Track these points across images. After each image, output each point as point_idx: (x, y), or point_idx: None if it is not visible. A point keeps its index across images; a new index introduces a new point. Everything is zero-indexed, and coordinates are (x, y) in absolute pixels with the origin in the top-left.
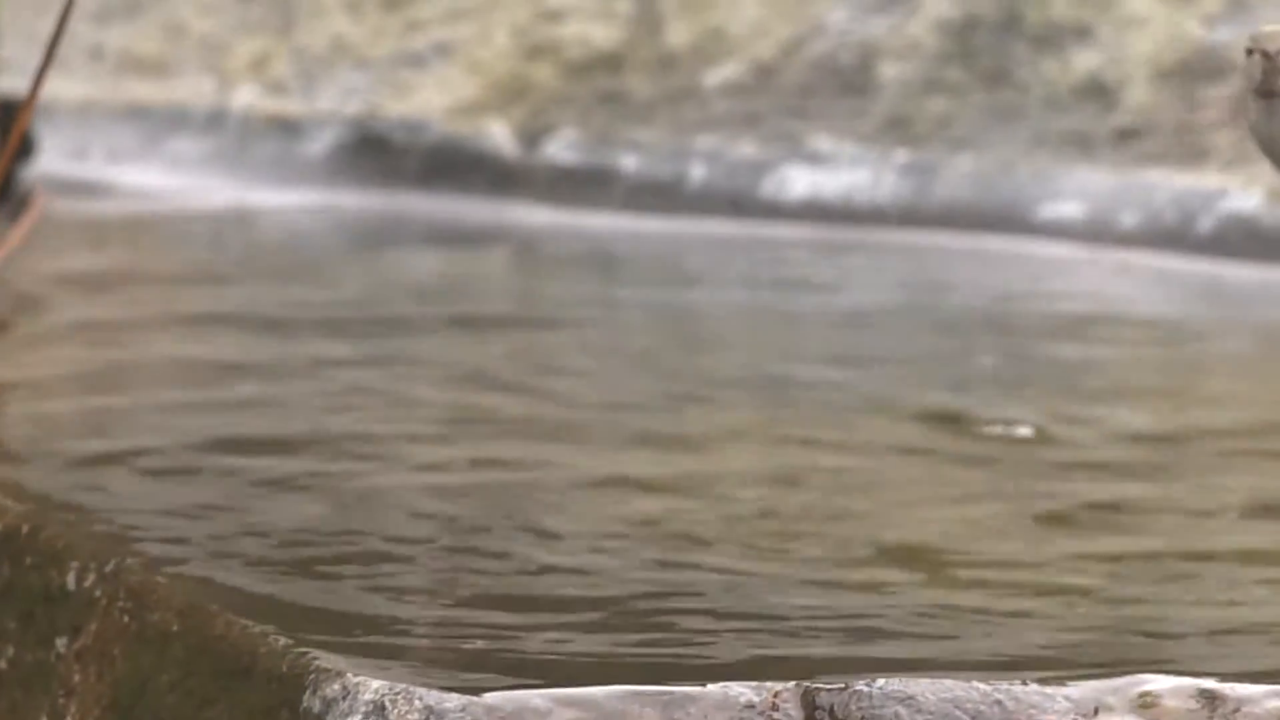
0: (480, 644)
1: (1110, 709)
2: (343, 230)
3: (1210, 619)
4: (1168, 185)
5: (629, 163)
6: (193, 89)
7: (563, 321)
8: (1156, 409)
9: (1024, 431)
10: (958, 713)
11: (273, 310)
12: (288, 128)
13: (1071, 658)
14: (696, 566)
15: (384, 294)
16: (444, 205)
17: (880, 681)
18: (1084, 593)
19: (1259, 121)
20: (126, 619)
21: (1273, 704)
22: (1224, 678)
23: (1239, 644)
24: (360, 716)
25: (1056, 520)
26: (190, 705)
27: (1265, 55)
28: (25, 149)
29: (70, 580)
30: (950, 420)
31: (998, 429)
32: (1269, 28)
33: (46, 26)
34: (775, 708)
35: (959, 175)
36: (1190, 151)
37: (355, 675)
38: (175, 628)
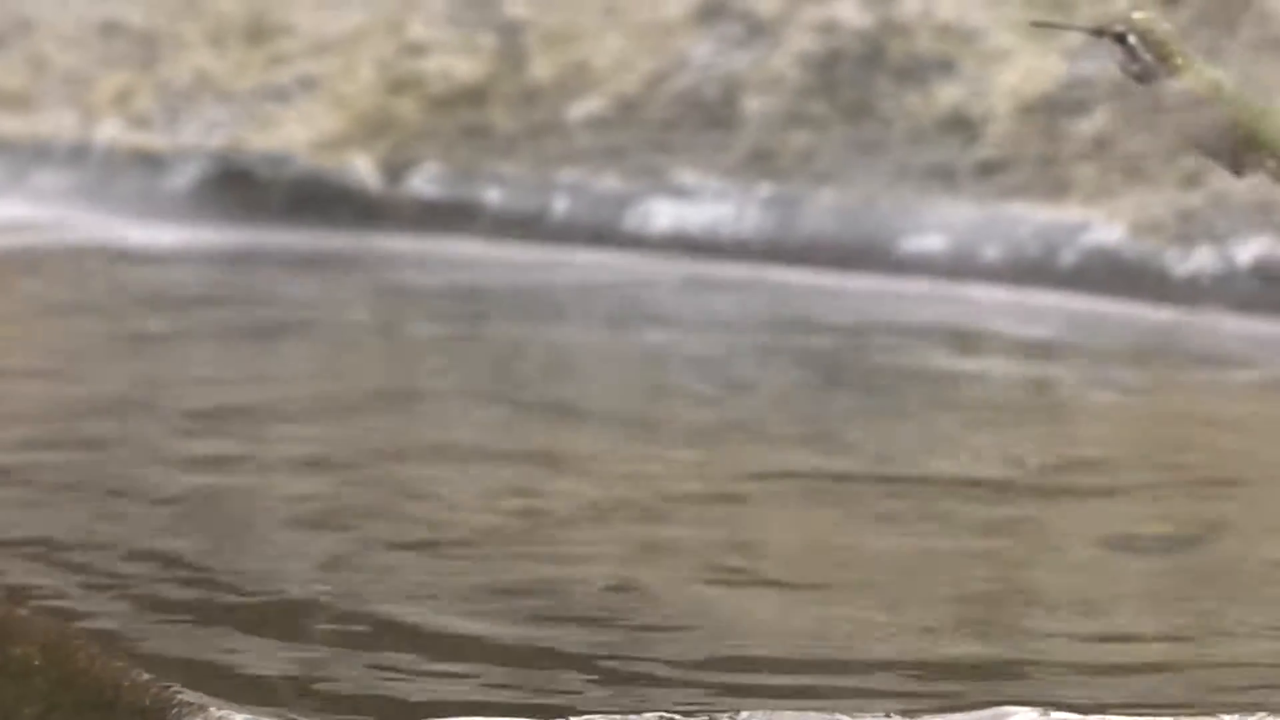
0: (341, 683)
1: None
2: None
3: (1075, 651)
4: (1030, 218)
5: (493, 196)
6: (56, 123)
7: (426, 354)
8: (1019, 442)
9: (886, 460)
10: None
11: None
12: (151, 161)
13: (936, 689)
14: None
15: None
16: (308, 239)
17: (744, 714)
18: (949, 626)
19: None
20: None
21: None
22: (1084, 710)
23: (1102, 676)
24: None
25: (919, 548)
26: None
27: (1116, 38)
28: None
29: None
30: (813, 450)
31: (860, 461)
32: (1126, 11)
33: None
34: None
35: (822, 209)
36: (1053, 184)
37: (219, 709)
38: (37, 661)
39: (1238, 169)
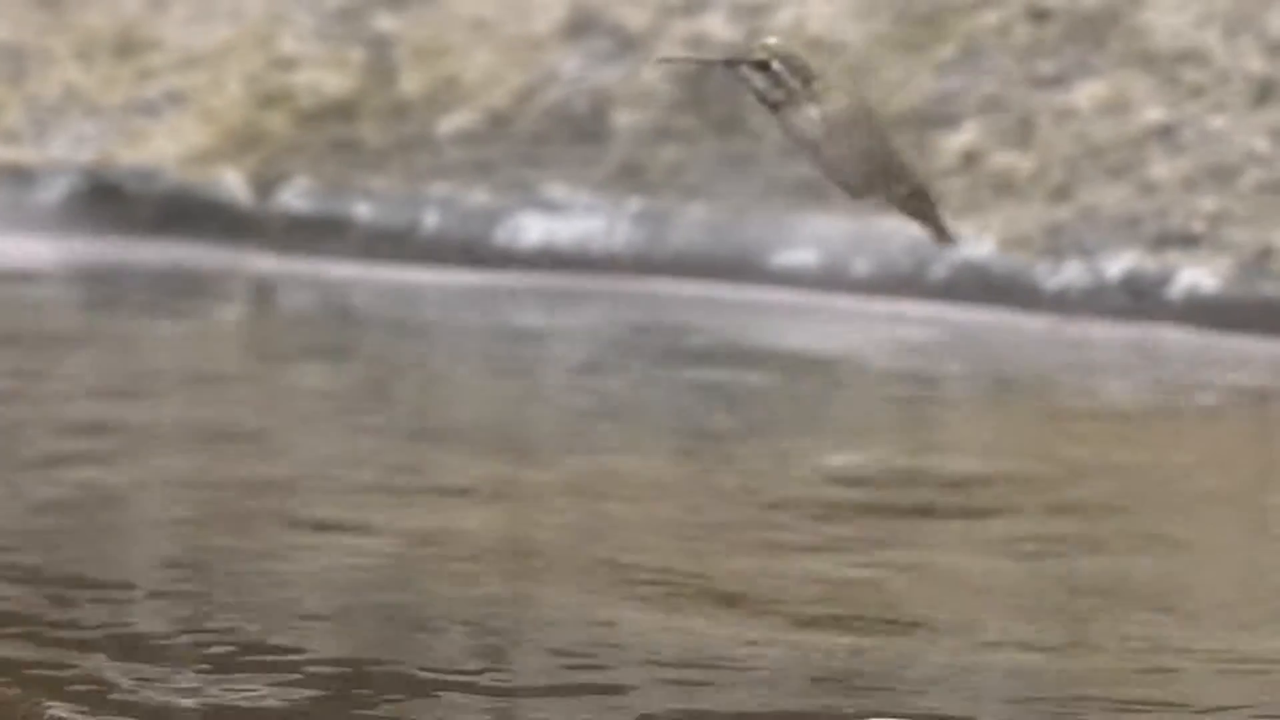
0: (214, 692)
1: None
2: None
3: (948, 662)
4: (901, 233)
5: (362, 211)
6: None
7: (290, 373)
8: (886, 453)
9: (758, 476)
10: None
11: None
12: (21, 176)
13: (810, 702)
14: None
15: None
16: (177, 254)
17: None
18: (822, 638)
19: (783, 132)
20: None
21: None
22: (965, 718)
23: (972, 686)
24: None
25: (791, 563)
26: None
27: (759, 65)
28: None
29: None
30: (690, 462)
31: (734, 476)
32: (767, 40)
33: None
34: None
35: (692, 223)
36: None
37: None
38: None
39: (863, 194)
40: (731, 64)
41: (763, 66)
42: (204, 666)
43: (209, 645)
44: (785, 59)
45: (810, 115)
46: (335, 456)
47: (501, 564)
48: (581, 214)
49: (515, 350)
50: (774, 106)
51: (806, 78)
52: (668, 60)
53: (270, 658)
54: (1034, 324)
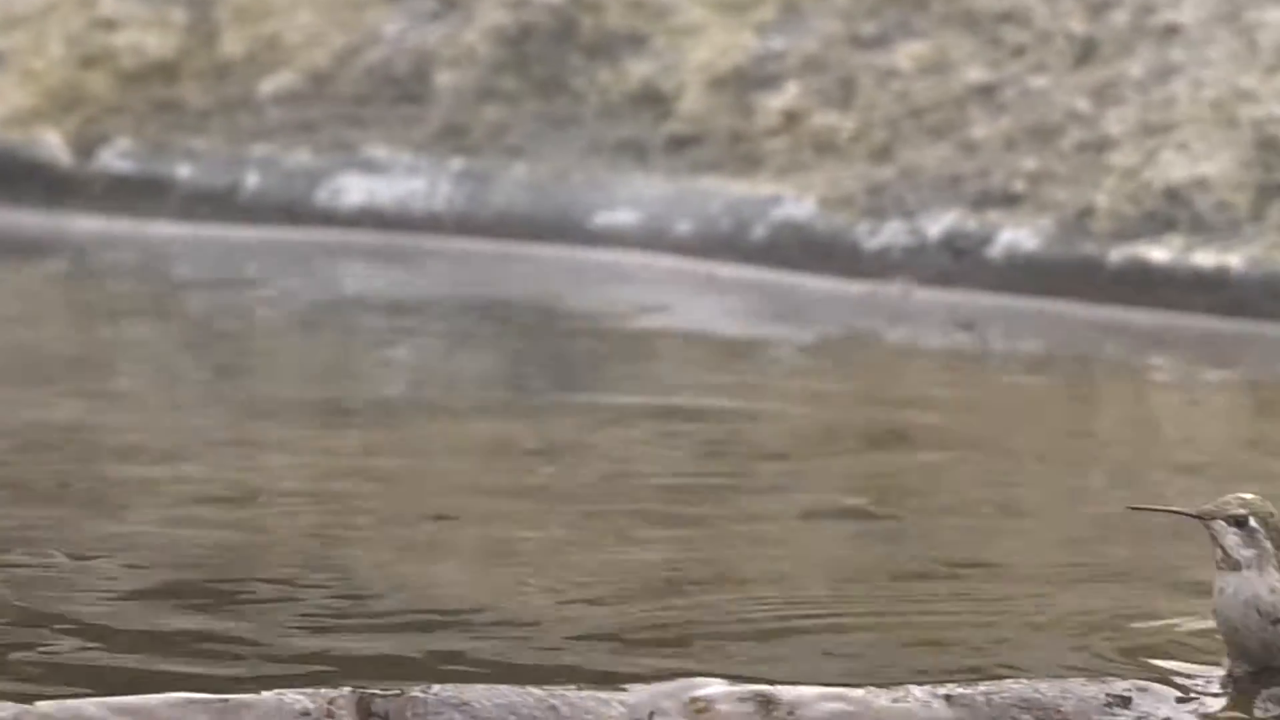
0: (30, 654)
1: (665, 713)
2: None
3: (767, 623)
4: (722, 193)
5: (184, 171)
6: None
7: (109, 331)
8: (705, 412)
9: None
10: (512, 718)
11: None
12: None
13: (627, 660)
14: (250, 581)
15: None
16: None
17: (435, 688)
18: (639, 594)
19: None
20: None
21: (826, 706)
22: (773, 681)
23: (792, 647)
24: None
25: (607, 524)
26: None
27: (1236, 521)
28: None
29: None
30: (509, 422)
31: (545, 436)
32: (1245, 495)
33: None
34: (330, 715)
35: (514, 183)
36: (744, 159)
37: None
38: None
39: None
40: (1205, 518)
41: (1239, 523)
42: None
43: None
44: (1263, 519)
45: (1275, 584)
46: (153, 413)
47: (319, 521)
48: (403, 174)
49: (335, 310)
50: (1234, 566)
51: (1279, 543)
52: (1139, 509)
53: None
54: (854, 287)
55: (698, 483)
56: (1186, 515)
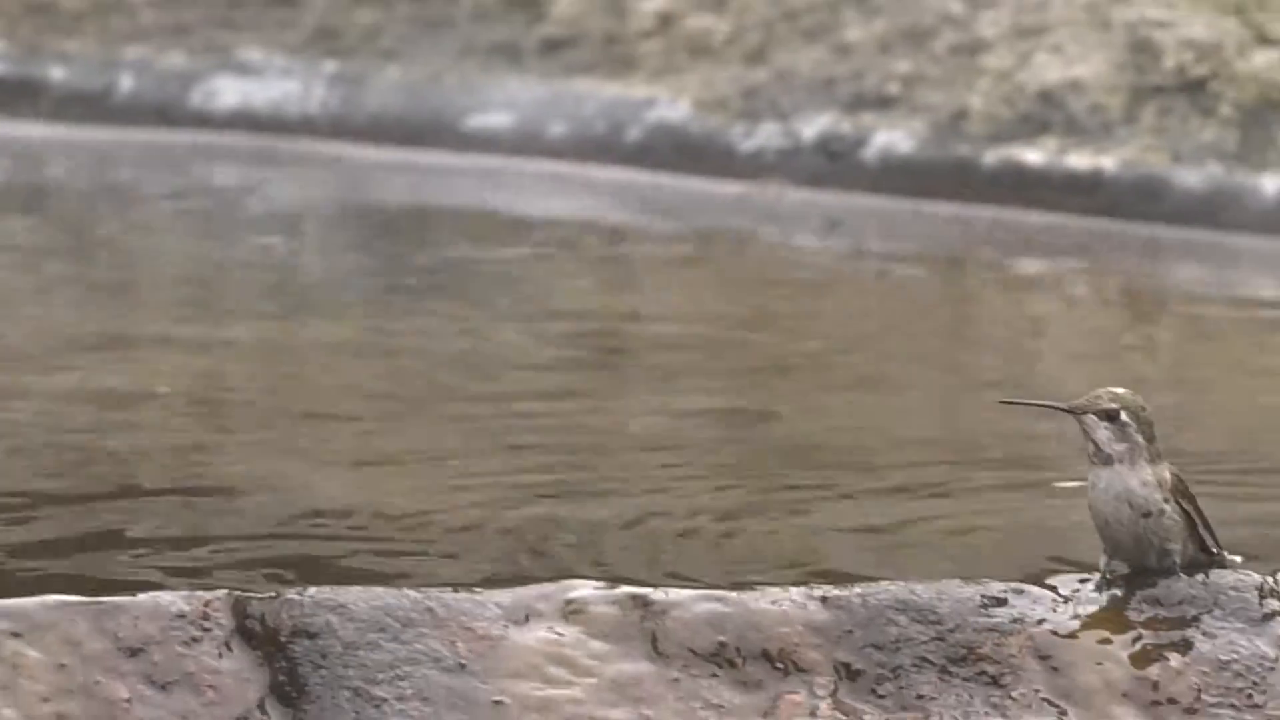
0: None
1: (540, 615)
2: None
3: (641, 527)
4: (596, 95)
5: (57, 74)
6: None
7: None
8: (582, 313)
9: (449, 339)
10: (389, 620)
11: None
12: None
13: (502, 568)
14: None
15: None
16: None
17: (311, 590)
18: (514, 497)
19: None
20: None
21: (702, 608)
22: (653, 583)
23: (664, 550)
24: None
25: (475, 419)
26: None
27: (1107, 415)
28: None
29: None
30: (382, 323)
31: (425, 336)
32: (1116, 390)
33: None
34: (206, 617)
35: (388, 86)
36: (618, 61)
37: None
38: None
39: (1185, 564)
40: (1077, 411)
41: (1111, 417)
42: None
43: None
44: (1134, 412)
45: (1146, 478)
46: (27, 313)
47: (193, 424)
48: (277, 77)
49: (209, 212)
50: (1106, 460)
51: (1150, 436)
52: (1011, 403)
53: None
54: (729, 189)
55: (573, 382)
56: (1058, 409)
